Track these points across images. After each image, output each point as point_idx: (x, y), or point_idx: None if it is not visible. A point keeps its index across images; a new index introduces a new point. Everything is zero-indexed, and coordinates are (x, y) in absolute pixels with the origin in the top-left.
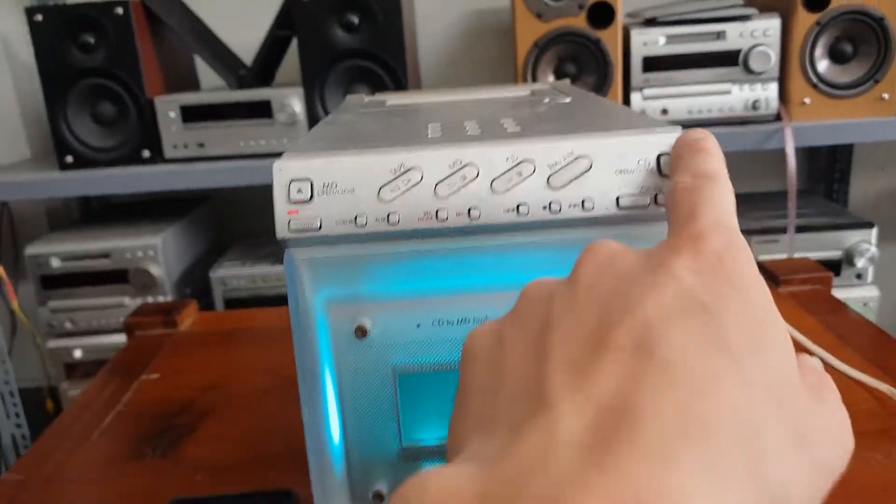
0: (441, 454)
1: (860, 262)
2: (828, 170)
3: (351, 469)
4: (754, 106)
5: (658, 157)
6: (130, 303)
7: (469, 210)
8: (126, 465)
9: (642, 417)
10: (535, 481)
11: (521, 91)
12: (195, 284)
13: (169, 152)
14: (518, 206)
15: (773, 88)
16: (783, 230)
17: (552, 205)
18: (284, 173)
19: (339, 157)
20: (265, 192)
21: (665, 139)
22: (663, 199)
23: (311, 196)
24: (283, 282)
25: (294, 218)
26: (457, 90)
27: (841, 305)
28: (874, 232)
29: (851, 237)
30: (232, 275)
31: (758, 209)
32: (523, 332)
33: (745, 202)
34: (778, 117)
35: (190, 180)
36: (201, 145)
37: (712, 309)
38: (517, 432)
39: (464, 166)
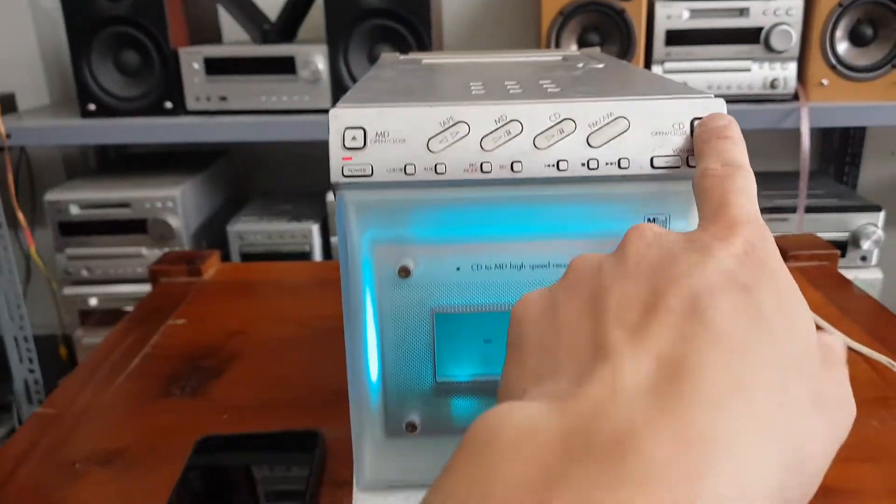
0: (472, 390)
1: (866, 245)
2: (839, 152)
3: (387, 401)
4: (773, 85)
5: (692, 122)
6: (147, 253)
7: (512, 163)
8: (155, 402)
9: (696, 372)
10: (607, 420)
11: (553, 56)
12: (212, 237)
13: (191, 104)
14: (558, 162)
15: (792, 68)
16: (793, 209)
17: (590, 162)
18: (340, 120)
19: (393, 108)
20: (285, 148)
21: (699, 105)
22: (693, 169)
23: (364, 143)
24: (297, 239)
25: (347, 164)
26: (487, 52)
27: (846, 282)
28: (882, 215)
29: (859, 219)
30: (249, 230)
31: (769, 188)
32: (577, 297)
33: (757, 181)
34: (795, 97)
35: (211, 133)
36: (223, 98)
37: (750, 288)
38: (582, 378)
39: (509, 122)
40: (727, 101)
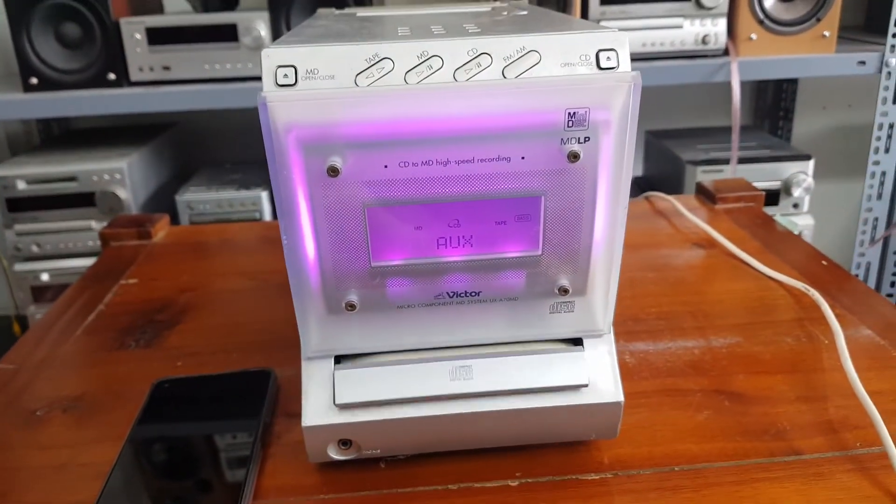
0: (405, 272)
1: (797, 192)
2: (773, 108)
3: (325, 285)
4: (704, 41)
5: (597, 53)
6: (97, 226)
7: None
8: (111, 354)
9: None
10: None
11: (482, 7)
12: (161, 209)
13: (135, 75)
14: None
15: (722, 24)
16: (727, 161)
17: None
18: (272, 59)
19: (321, 47)
20: (230, 116)
21: (603, 38)
22: None
23: (296, 80)
24: (247, 207)
25: None
26: (423, 6)
27: (769, 220)
28: (811, 164)
29: (790, 168)
30: (198, 199)
31: (705, 142)
32: None
33: (694, 135)
34: (726, 52)
35: (156, 103)
36: (167, 68)
37: None
38: None
39: (430, 57)
40: (661, 59)
